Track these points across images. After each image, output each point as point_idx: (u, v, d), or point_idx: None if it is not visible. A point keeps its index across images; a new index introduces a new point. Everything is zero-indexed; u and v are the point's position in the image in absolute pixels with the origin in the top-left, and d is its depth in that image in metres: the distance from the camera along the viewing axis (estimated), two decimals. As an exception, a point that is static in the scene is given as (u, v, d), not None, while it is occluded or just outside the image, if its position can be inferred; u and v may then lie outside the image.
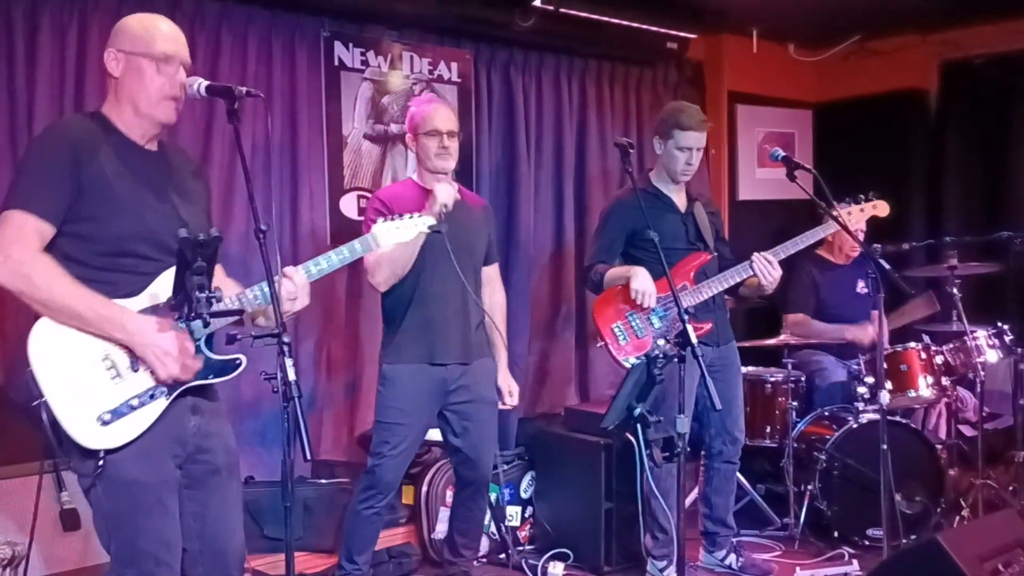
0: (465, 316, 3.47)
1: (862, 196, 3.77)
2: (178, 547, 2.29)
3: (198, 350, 2.26)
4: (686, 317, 2.88)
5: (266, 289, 2.25)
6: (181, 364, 2.20)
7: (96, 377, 2.17)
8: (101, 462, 2.15)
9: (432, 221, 2.73)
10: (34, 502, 3.07)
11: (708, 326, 3.70)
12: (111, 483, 2.19)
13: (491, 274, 3.71)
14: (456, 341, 3.44)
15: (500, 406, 3.65)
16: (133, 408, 2.18)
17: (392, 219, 2.67)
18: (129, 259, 2.24)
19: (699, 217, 3.87)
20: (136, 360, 2.20)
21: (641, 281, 3.59)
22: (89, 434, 2.14)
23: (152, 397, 2.21)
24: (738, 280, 3.70)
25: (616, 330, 3.68)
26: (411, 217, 2.70)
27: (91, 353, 2.17)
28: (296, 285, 2.37)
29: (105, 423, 2.15)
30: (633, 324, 3.68)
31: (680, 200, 3.87)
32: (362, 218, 4.32)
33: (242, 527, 2.47)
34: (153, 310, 2.24)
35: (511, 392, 3.67)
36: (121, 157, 2.27)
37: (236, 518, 2.45)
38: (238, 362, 2.32)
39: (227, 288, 2.38)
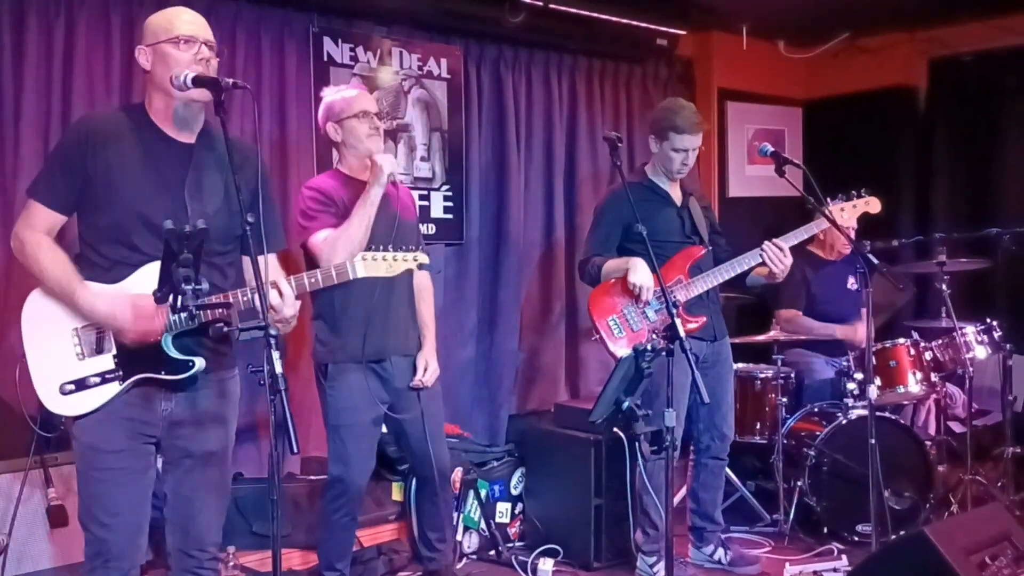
0: (402, 309, 3.42)
1: (854, 192, 3.77)
2: (128, 514, 2.41)
3: (156, 345, 2.35)
4: (675, 311, 2.88)
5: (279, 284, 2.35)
6: (136, 328, 2.32)
7: (65, 350, 2.38)
8: (62, 426, 2.39)
9: (425, 259, 2.64)
10: (27, 496, 3.14)
11: (702, 320, 3.71)
12: (77, 444, 2.42)
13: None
14: (399, 334, 3.39)
15: (413, 383, 3.43)
16: (91, 385, 2.37)
17: (379, 250, 2.57)
18: (123, 248, 2.37)
19: (694, 211, 3.88)
20: (101, 342, 2.38)
21: (639, 274, 3.58)
22: (52, 399, 2.37)
23: (105, 380, 2.37)
24: (747, 268, 3.69)
25: (611, 323, 3.68)
26: (401, 251, 2.58)
27: (65, 327, 2.39)
28: (283, 298, 2.35)
29: (65, 393, 2.36)
30: (628, 317, 3.68)
31: (676, 194, 3.88)
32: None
33: (212, 516, 2.56)
34: None
35: (427, 367, 3.43)
36: (142, 148, 2.39)
37: (204, 503, 2.53)
38: (191, 364, 2.39)
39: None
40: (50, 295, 2.38)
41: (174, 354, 2.37)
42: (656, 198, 3.82)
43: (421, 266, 2.64)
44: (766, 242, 3.65)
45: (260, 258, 2.49)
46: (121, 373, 2.37)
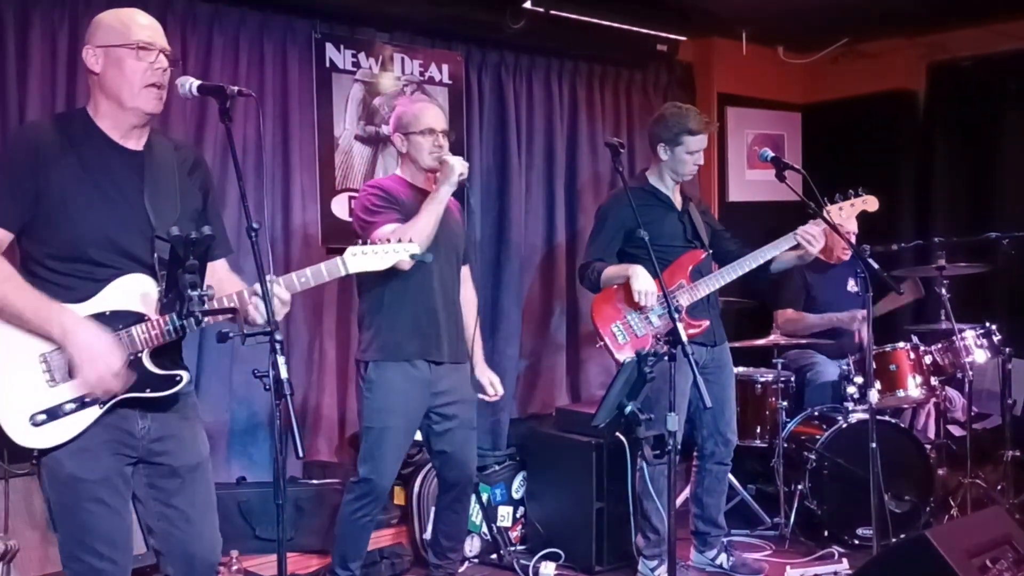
0: (455, 315, 3.49)
1: (851, 191, 3.79)
2: (124, 544, 2.30)
3: (137, 364, 2.23)
4: (677, 315, 2.89)
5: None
6: (104, 375, 2.16)
7: (32, 378, 2.17)
8: (35, 460, 2.19)
9: (417, 249, 2.66)
10: (29, 500, 3.12)
11: (705, 324, 3.73)
12: (52, 477, 2.22)
13: (465, 274, 3.66)
14: (449, 340, 3.43)
15: (486, 398, 3.62)
16: (67, 412, 2.18)
17: (369, 244, 2.58)
18: (83, 264, 2.23)
19: (694, 216, 3.91)
20: (74, 365, 2.19)
21: (642, 281, 3.59)
22: (22, 433, 2.16)
23: (85, 404, 2.20)
24: (778, 252, 3.72)
25: (615, 329, 3.70)
26: (391, 243, 2.61)
27: (29, 354, 2.18)
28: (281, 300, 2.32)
29: (37, 424, 2.16)
30: (632, 323, 3.70)
31: (676, 199, 3.90)
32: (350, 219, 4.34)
33: (213, 530, 2.44)
34: (99, 317, 2.22)
35: (493, 383, 3.64)
36: (92, 159, 2.26)
37: (203, 521, 2.42)
38: (178, 378, 2.30)
39: (230, 285, 2.39)
40: (12, 322, 2.16)
41: (156, 371, 2.26)
42: (658, 203, 3.84)
43: (413, 256, 2.63)
44: (800, 228, 3.67)
45: (217, 262, 2.44)
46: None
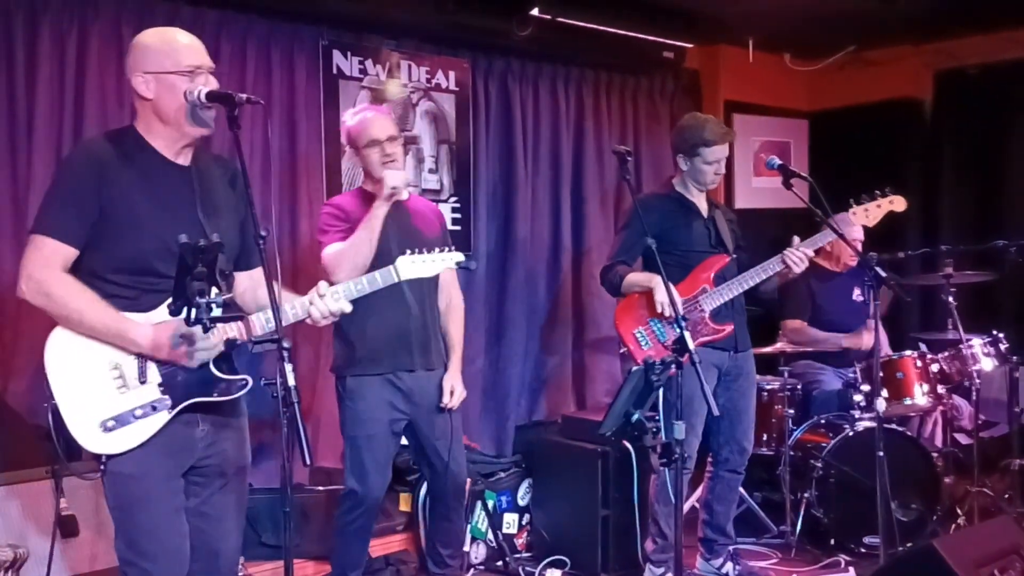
0: (425, 323, 3.42)
1: (878, 192, 3.73)
2: (182, 545, 2.34)
3: (204, 369, 2.31)
4: (683, 325, 2.88)
5: (296, 305, 2.38)
6: (189, 355, 2.26)
7: (104, 385, 2.25)
8: (103, 466, 2.25)
9: (460, 258, 2.73)
10: (38, 507, 3.12)
11: (729, 328, 3.73)
12: (115, 479, 2.28)
13: (447, 278, 3.58)
14: (419, 348, 3.39)
15: (441, 405, 3.45)
16: (136, 418, 2.25)
17: (418, 252, 2.66)
18: (148, 276, 2.30)
19: (719, 222, 3.91)
20: (144, 372, 2.28)
21: (664, 292, 3.57)
22: (92, 439, 2.22)
23: (154, 409, 2.27)
24: (770, 273, 3.70)
25: (638, 335, 3.71)
26: (439, 252, 2.70)
27: (101, 362, 2.26)
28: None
29: (108, 429, 2.23)
30: (655, 330, 3.71)
31: (702, 205, 3.91)
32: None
33: (239, 532, 2.51)
34: None
35: (452, 392, 3.46)
36: (149, 175, 2.33)
37: (233, 522, 2.49)
38: (243, 383, 2.36)
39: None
40: (87, 335, 2.25)
41: (222, 375, 2.33)
42: (683, 209, 3.85)
43: (459, 264, 2.72)
44: (787, 250, 3.66)
45: (256, 270, 2.53)
46: (169, 401, 2.29)
